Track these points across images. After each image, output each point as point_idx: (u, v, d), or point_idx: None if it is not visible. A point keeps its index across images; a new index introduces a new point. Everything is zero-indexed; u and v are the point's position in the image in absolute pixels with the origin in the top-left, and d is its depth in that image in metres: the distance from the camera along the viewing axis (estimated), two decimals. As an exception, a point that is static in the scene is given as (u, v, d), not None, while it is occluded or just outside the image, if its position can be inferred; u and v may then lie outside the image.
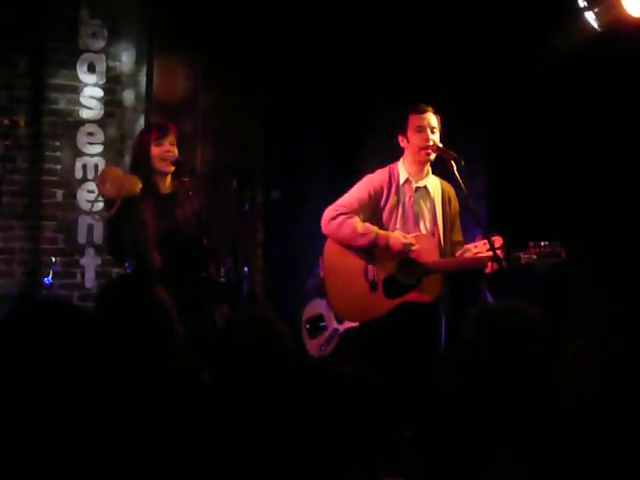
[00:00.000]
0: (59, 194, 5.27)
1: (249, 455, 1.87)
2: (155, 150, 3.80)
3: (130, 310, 2.04)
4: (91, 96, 5.35)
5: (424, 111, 3.98)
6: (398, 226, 3.99)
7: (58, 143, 5.28)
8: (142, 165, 3.81)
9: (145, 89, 5.52)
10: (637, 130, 4.65)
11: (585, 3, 4.37)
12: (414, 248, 3.89)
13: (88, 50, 5.34)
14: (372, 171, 4.11)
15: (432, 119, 3.97)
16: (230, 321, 2.72)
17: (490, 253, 3.69)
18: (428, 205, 4.05)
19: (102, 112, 5.36)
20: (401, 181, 4.02)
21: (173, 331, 2.04)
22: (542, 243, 3.78)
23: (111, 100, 5.40)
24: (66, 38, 5.29)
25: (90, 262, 5.30)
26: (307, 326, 4.69)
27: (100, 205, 4.92)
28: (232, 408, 1.97)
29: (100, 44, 5.36)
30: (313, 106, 5.57)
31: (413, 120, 3.98)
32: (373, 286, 3.95)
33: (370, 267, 3.97)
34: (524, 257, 3.77)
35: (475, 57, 5.20)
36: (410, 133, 3.99)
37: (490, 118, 5.28)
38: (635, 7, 4.24)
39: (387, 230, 3.96)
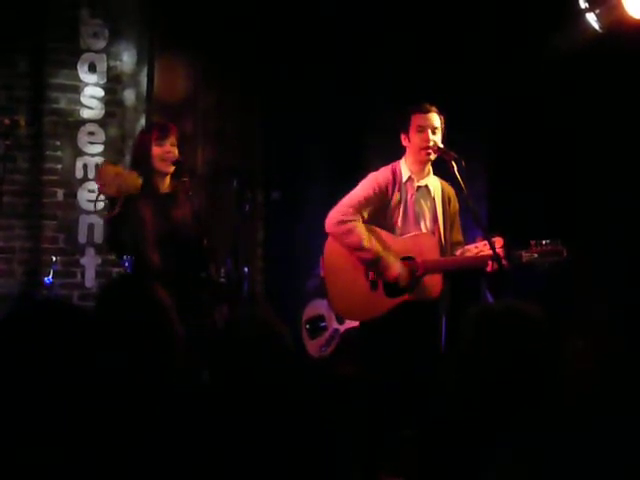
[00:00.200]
0: (60, 194, 5.28)
1: (249, 455, 1.87)
2: (156, 150, 3.81)
3: (130, 310, 2.04)
4: (92, 96, 5.35)
5: (427, 111, 3.97)
6: (399, 224, 3.99)
7: (59, 143, 5.28)
8: (142, 164, 3.81)
9: (146, 89, 5.52)
10: (637, 131, 4.65)
11: (586, 4, 4.37)
12: (402, 284, 3.88)
13: (89, 50, 5.34)
14: (373, 171, 4.11)
15: (435, 119, 3.97)
16: (230, 321, 2.72)
17: (491, 252, 3.69)
18: (429, 204, 4.05)
19: (103, 112, 5.37)
20: (404, 179, 4.02)
21: (173, 331, 2.05)
22: (544, 241, 3.78)
23: (112, 100, 5.41)
24: (67, 38, 5.29)
25: (90, 262, 5.31)
26: (307, 327, 4.70)
27: (101, 204, 4.91)
28: (232, 408, 1.97)
29: (101, 44, 5.37)
30: (313, 106, 5.57)
31: (416, 119, 3.97)
32: (373, 285, 3.95)
33: (370, 266, 3.97)
34: (525, 255, 3.78)
35: (475, 57, 5.20)
36: (412, 132, 3.98)
37: (490, 118, 5.28)
38: (636, 9, 4.23)
39: (389, 228, 3.97)
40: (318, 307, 4.75)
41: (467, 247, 3.97)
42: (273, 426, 1.93)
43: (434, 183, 4.08)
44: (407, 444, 3.63)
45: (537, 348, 1.81)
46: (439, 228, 4.03)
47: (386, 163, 4.11)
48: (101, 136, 5.36)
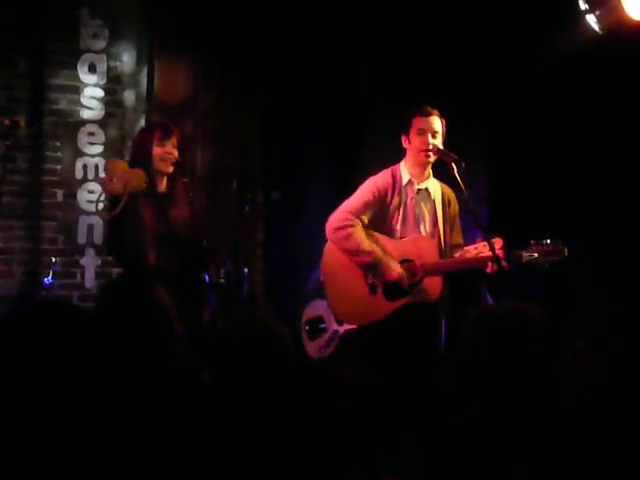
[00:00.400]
0: (59, 194, 5.28)
1: (249, 455, 1.87)
2: (157, 150, 3.82)
3: (130, 310, 2.04)
4: (92, 96, 5.35)
5: (429, 114, 3.96)
6: (399, 227, 3.99)
7: (58, 143, 5.28)
8: (142, 163, 3.81)
9: (146, 89, 5.52)
10: (637, 131, 4.65)
11: (586, 6, 4.36)
12: (403, 285, 3.88)
13: (89, 50, 5.34)
14: (372, 171, 4.11)
15: (436, 123, 3.96)
16: (230, 321, 2.72)
17: (490, 253, 3.69)
18: (429, 207, 4.05)
19: (103, 112, 5.37)
20: (404, 182, 4.02)
21: (173, 331, 2.04)
22: (544, 241, 3.78)
23: (112, 100, 5.40)
24: (67, 38, 5.29)
25: (90, 262, 5.31)
26: (307, 328, 4.69)
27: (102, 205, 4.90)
28: (232, 408, 1.97)
29: (101, 44, 5.37)
30: (313, 106, 5.57)
31: (417, 122, 3.97)
32: (373, 289, 3.95)
33: (370, 270, 3.97)
34: (525, 255, 3.77)
35: (475, 57, 5.20)
36: (412, 134, 3.98)
37: (490, 118, 5.28)
38: (636, 10, 4.23)
39: (389, 231, 3.96)
40: (318, 308, 4.74)
41: (466, 248, 3.97)
42: (273, 426, 1.93)
43: (434, 186, 4.08)
44: (407, 445, 3.63)
45: (537, 349, 1.81)
46: (439, 231, 4.03)
47: (386, 163, 4.11)
48: (101, 137, 5.36)
